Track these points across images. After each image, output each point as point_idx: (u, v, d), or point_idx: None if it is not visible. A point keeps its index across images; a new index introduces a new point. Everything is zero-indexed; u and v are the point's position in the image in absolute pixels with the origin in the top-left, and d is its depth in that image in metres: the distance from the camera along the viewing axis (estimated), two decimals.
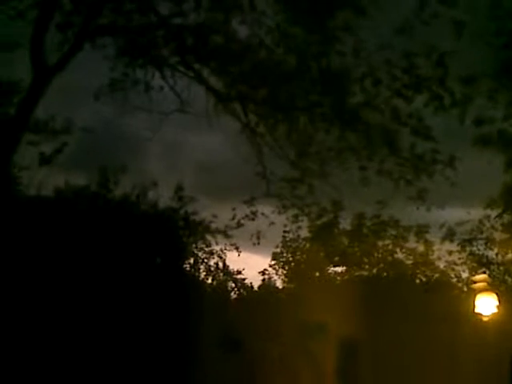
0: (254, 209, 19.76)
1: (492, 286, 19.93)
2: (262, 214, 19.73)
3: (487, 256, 21.32)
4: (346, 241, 21.61)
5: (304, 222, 20.26)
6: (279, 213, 19.27)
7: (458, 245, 21.20)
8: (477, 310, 19.34)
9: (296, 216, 19.58)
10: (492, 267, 21.29)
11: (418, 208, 17.21)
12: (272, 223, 19.84)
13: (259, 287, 21.87)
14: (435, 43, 15.27)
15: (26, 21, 15.76)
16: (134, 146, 19.63)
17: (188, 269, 20.65)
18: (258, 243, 20.04)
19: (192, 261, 20.83)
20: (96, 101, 16.71)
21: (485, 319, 19.15)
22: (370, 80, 15.88)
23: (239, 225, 20.09)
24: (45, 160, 18.19)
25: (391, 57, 15.51)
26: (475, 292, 19.85)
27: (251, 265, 21.90)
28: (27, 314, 16.44)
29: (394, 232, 21.37)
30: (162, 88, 16.92)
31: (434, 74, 15.69)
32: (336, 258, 21.68)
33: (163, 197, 19.33)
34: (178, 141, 20.78)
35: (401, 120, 16.25)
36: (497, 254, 21.30)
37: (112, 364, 17.23)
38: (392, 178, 16.70)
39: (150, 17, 16.23)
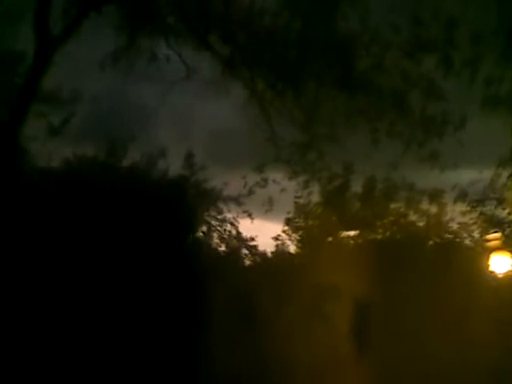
0: (264, 176, 19.73)
1: (505, 245, 19.91)
2: (274, 181, 19.70)
3: (497, 216, 21.25)
4: (357, 204, 21.55)
5: (315, 188, 20.24)
6: (290, 179, 19.25)
7: (468, 205, 21.13)
8: (491, 269, 19.34)
9: (307, 181, 19.56)
10: (504, 227, 21.22)
11: (431, 168, 17.09)
12: (283, 189, 19.83)
13: (272, 253, 21.91)
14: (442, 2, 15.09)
15: None
16: (141, 116, 19.54)
17: (200, 237, 20.76)
18: (271, 209, 20.08)
19: (205, 228, 20.96)
20: (102, 70, 16.67)
21: (499, 277, 19.16)
22: (377, 42, 15.75)
23: (250, 192, 20.12)
24: (53, 131, 18.20)
25: (398, 19, 15.34)
26: (488, 251, 19.84)
27: (264, 232, 21.93)
28: (37, 285, 16.58)
29: (406, 194, 21.28)
30: (168, 57, 16.86)
31: (442, 35, 15.53)
32: (348, 222, 21.63)
33: (173, 165, 19.40)
34: (185, 109, 20.67)
35: (410, 81, 16.13)
36: (509, 214, 21.22)
37: (122, 328, 17.39)
38: (403, 140, 16.62)
39: None
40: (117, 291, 17.45)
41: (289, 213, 22.10)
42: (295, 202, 21.73)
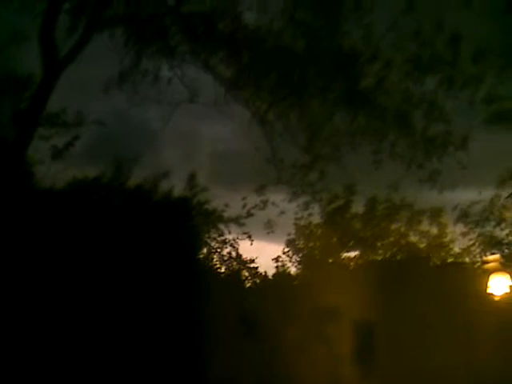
0: (264, 198, 19.79)
1: (504, 267, 19.95)
2: (273, 203, 19.72)
3: (496, 237, 21.31)
4: (358, 225, 21.63)
5: (316, 209, 20.31)
6: (290, 201, 19.30)
7: (465, 226, 21.20)
8: (489, 291, 19.37)
9: (307, 203, 19.64)
10: (503, 248, 21.28)
11: (430, 189, 17.13)
12: (282, 212, 19.85)
13: (273, 275, 21.93)
14: (443, 20, 15.19)
15: (35, 14, 15.73)
16: (145, 138, 19.68)
17: (202, 258, 20.79)
18: (272, 231, 20.13)
19: (205, 250, 21.01)
20: (105, 93, 16.74)
21: (497, 299, 19.18)
22: (379, 62, 15.86)
23: (249, 214, 20.18)
24: (57, 153, 18.26)
25: (400, 37, 15.46)
26: (487, 273, 19.88)
27: (265, 253, 21.98)
28: (43, 301, 16.59)
29: (406, 215, 21.38)
30: (170, 80, 16.94)
31: (443, 54, 15.66)
32: (349, 243, 21.69)
33: (176, 187, 19.48)
34: (189, 131, 20.80)
35: (412, 102, 16.23)
36: (507, 235, 21.29)
37: (126, 350, 17.40)
38: (404, 161, 16.69)
39: (159, 5, 16.25)
40: (118, 311, 17.47)
41: (289, 234, 22.22)
42: (296, 224, 21.86)
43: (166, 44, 16.50)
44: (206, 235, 20.79)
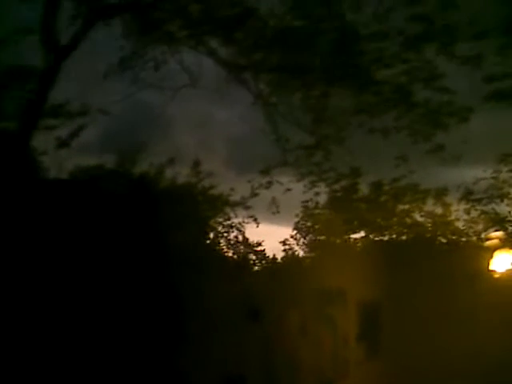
0: (270, 179, 19.73)
1: (507, 243, 20.03)
2: (277, 181, 19.54)
3: (499, 214, 21.36)
4: (364, 206, 21.66)
5: (322, 188, 20.25)
6: (297, 181, 19.25)
7: (467, 203, 21.23)
8: (491, 267, 19.48)
9: (314, 182, 19.56)
10: (506, 225, 21.33)
11: (435, 160, 17.03)
12: (288, 189, 19.68)
13: (281, 258, 22.03)
14: None
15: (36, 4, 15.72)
16: (151, 125, 19.69)
17: (208, 243, 20.89)
18: (278, 212, 20.03)
19: (212, 235, 21.10)
20: (106, 80, 16.73)
21: (498, 276, 19.28)
22: (378, 35, 15.78)
23: (254, 194, 20.09)
24: (62, 144, 18.31)
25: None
26: (491, 250, 19.97)
27: (272, 236, 22.07)
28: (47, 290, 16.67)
29: (412, 194, 21.40)
30: (173, 64, 16.94)
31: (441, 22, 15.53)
32: (355, 224, 21.75)
33: (181, 173, 19.57)
34: (194, 116, 20.83)
35: (413, 73, 16.14)
36: (510, 212, 21.34)
37: (131, 328, 17.53)
38: (409, 134, 16.63)
39: None
40: (122, 299, 17.55)
41: (297, 215, 22.27)
42: (302, 207, 21.89)
43: (165, 30, 16.47)
44: (213, 220, 20.89)
